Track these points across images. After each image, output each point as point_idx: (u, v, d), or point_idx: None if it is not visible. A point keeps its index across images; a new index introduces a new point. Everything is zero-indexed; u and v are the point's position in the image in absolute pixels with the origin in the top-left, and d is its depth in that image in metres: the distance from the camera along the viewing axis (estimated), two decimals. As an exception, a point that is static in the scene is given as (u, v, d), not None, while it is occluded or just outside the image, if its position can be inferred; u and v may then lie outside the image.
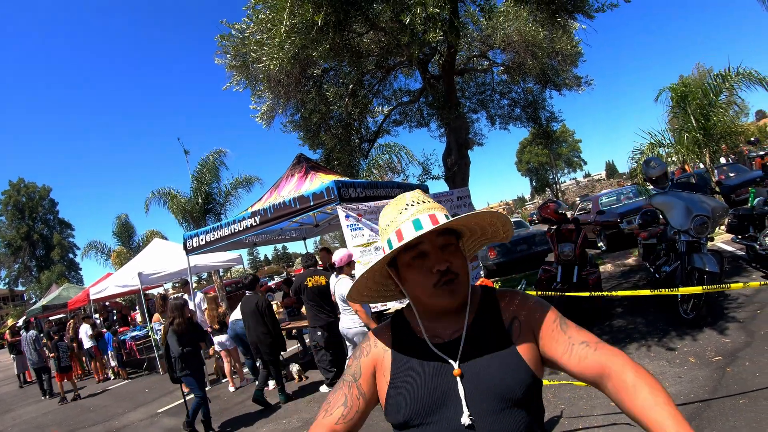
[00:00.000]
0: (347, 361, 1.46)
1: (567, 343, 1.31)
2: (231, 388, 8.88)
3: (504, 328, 1.35)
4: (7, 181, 61.18)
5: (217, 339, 9.04)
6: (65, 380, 11.87)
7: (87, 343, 13.33)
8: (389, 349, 1.42)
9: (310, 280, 7.46)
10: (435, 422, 1.26)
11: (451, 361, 1.30)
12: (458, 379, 1.27)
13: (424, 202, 1.38)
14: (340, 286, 6.33)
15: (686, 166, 13.32)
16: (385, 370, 1.39)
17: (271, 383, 7.77)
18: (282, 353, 7.91)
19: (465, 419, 1.20)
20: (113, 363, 13.68)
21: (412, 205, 1.37)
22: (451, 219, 1.32)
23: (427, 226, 1.30)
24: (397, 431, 1.36)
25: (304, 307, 7.91)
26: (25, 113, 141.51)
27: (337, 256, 6.39)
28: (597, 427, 4.21)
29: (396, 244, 1.33)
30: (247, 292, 7.54)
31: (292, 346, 11.16)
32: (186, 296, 10.52)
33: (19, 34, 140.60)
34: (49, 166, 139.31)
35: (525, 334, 1.34)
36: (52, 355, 12.10)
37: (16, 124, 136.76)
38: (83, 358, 14.69)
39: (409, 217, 1.34)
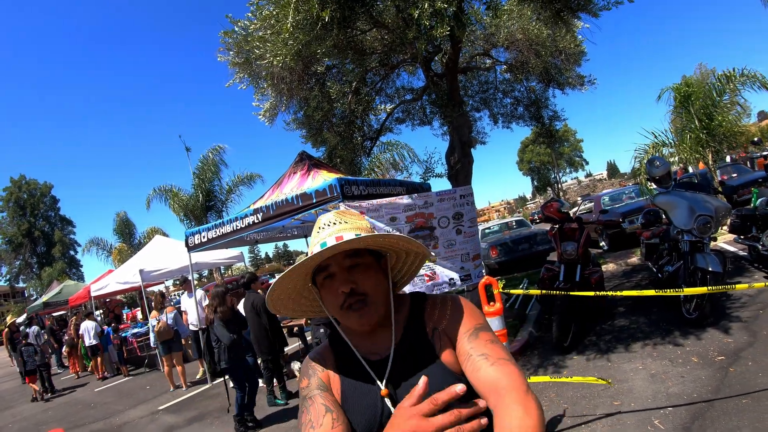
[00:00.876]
0: (301, 385, 1.43)
1: (467, 353, 1.29)
2: (232, 384, 8.88)
3: (428, 339, 1.36)
4: (9, 177, 61.30)
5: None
6: (32, 383, 12.53)
7: (90, 341, 13.33)
8: (335, 372, 1.42)
9: None
10: None
11: (378, 382, 1.31)
12: (386, 399, 1.27)
13: (335, 223, 1.39)
14: None
15: (700, 164, 13.26)
16: (336, 393, 1.38)
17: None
18: (282, 352, 7.91)
19: None
20: (114, 359, 13.70)
21: (324, 228, 1.39)
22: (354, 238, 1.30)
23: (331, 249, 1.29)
24: None
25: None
26: (27, 110, 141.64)
27: None
28: (600, 427, 4.21)
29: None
30: (246, 291, 7.55)
31: (294, 344, 11.17)
32: (186, 293, 10.53)
33: (20, 31, 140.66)
34: (51, 163, 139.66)
35: (444, 342, 1.35)
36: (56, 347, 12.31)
37: (18, 121, 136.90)
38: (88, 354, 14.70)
39: (318, 240, 1.36)
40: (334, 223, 1.39)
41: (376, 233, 1.36)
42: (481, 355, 1.26)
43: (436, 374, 1.26)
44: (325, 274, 1.35)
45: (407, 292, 1.60)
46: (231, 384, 6.75)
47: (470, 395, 1.17)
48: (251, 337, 7.35)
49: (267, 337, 7.16)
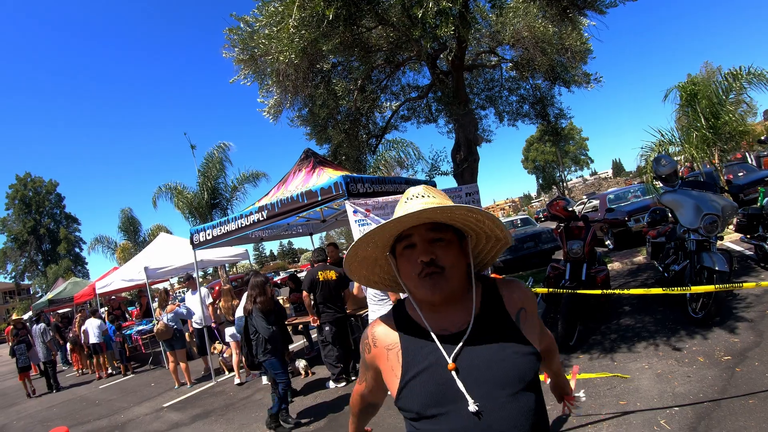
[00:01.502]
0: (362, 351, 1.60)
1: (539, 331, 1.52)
2: (237, 380, 8.89)
3: (510, 318, 1.43)
4: (14, 175, 61.48)
5: (229, 330, 9.06)
6: (25, 379, 12.98)
7: (94, 339, 13.35)
8: (397, 343, 1.47)
9: (321, 274, 7.45)
10: (446, 413, 1.31)
11: (446, 356, 1.35)
12: (453, 373, 1.32)
13: (423, 196, 1.43)
14: None
15: (714, 160, 13.18)
16: (394, 364, 1.44)
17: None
18: (287, 350, 7.90)
19: (472, 407, 1.26)
20: (116, 357, 13.71)
21: (412, 199, 1.44)
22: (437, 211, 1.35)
23: (413, 216, 1.34)
24: (409, 421, 1.42)
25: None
26: (33, 108, 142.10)
27: None
28: (605, 426, 4.19)
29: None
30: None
31: (299, 342, 11.17)
32: (190, 292, 10.54)
33: (24, 28, 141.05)
34: (56, 161, 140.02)
35: (530, 321, 1.46)
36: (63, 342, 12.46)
37: (24, 119, 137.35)
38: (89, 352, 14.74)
39: (405, 210, 1.38)
40: (423, 196, 1.43)
41: (467, 206, 1.36)
42: (542, 331, 1.56)
43: (519, 349, 1.37)
44: (406, 243, 1.41)
45: None
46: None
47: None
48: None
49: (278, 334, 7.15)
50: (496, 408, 1.28)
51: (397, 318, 1.53)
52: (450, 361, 1.34)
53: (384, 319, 1.57)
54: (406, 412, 1.40)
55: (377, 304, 5.90)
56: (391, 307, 5.24)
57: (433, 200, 1.41)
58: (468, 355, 1.35)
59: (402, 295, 1.59)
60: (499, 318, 1.43)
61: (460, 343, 1.36)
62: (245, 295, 6.55)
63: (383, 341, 1.51)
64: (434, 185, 8.58)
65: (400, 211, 1.41)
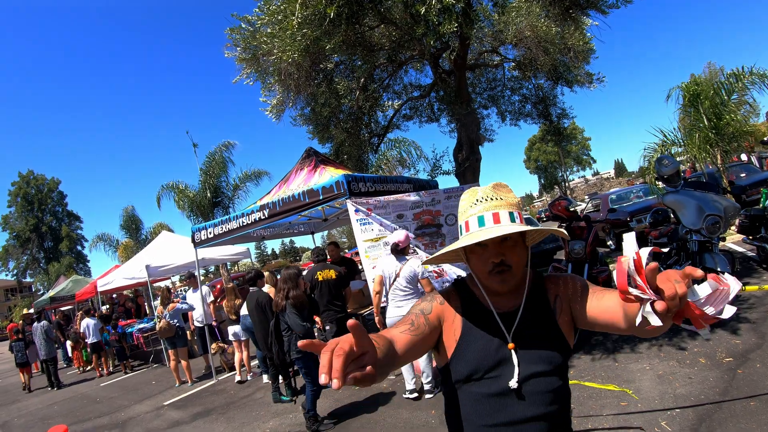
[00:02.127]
0: (415, 302, 1.77)
1: (598, 297, 1.54)
2: (238, 378, 8.90)
3: (550, 307, 1.62)
4: (17, 173, 61.56)
5: (232, 329, 9.06)
6: (24, 373, 13.50)
7: (92, 337, 13.36)
8: (459, 312, 1.66)
9: (320, 274, 7.44)
10: (490, 379, 1.54)
11: (506, 334, 1.57)
12: (512, 351, 1.53)
13: (492, 199, 1.60)
14: (409, 266, 5.76)
15: (717, 161, 13.15)
16: (456, 328, 1.64)
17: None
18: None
19: (513, 383, 1.49)
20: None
21: (481, 201, 1.60)
22: (513, 224, 1.55)
23: (489, 226, 1.56)
24: (455, 382, 1.62)
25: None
26: (35, 106, 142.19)
27: (398, 237, 5.86)
28: (606, 427, 4.18)
29: (463, 234, 1.63)
30: (251, 288, 7.52)
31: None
32: (191, 290, 10.55)
33: (26, 28, 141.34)
34: (59, 159, 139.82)
35: (564, 307, 1.62)
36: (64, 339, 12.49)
37: (26, 117, 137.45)
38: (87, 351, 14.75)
39: (476, 212, 1.59)
40: (492, 199, 1.60)
41: (533, 227, 1.57)
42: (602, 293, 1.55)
43: (554, 335, 1.58)
44: (478, 242, 1.54)
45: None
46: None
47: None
48: (257, 335, 7.33)
49: (272, 334, 7.13)
50: (530, 385, 1.50)
51: (460, 291, 1.72)
52: (510, 340, 1.55)
53: (448, 289, 1.77)
54: (456, 372, 1.60)
55: (403, 300, 5.75)
56: (402, 307, 5.08)
57: (501, 202, 1.59)
58: (518, 334, 1.56)
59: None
60: (541, 305, 1.62)
61: (515, 325, 1.57)
62: (273, 289, 6.35)
63: (450, 303, 1.69)
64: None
65: (470, 213, 1.61)
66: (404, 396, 6.03)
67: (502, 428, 1.51)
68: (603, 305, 1.48)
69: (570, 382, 1.68)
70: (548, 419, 1.51)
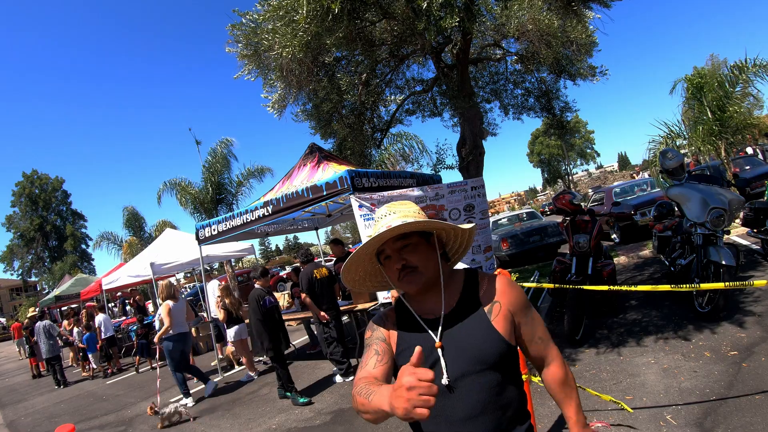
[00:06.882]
0: (365, 336, 1.88)
1: (531, 334, 1.75)
2: (252, 374, 8.93)
3: (482, 308, 1.69)
4: (21, 172, 61.62)
5: (232, 330, 9.08)
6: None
7: (107, 333, 13.44)
8: (394, 326, 1.79)
9: (317, 272, 7.53)
10: None
11: (432, 335, 1.65)
12: (439, 350, 1.61)
13: (387, 215, 1.73)
14: None
15: (721, 153, 13.10)
16: (394, 342, 1.75)
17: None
18: (287, 347, 7.96)
19: (444, 381, 1.56)
20: (93, 365, 13.68)
21: (378, 220, 1.75)
22: (399, 226, 1.63)
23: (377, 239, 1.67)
24: None
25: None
26: (38, 105, 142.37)
27: None
28: (611, 421, 4.18)
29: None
30: (256, 285, 7.54)
31: (302, 338, 11.20)
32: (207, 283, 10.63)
33: (26, 28, 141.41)
34: (62, 158, 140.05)
35: (503, 313, 1.68)
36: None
37: (30, 116, 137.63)
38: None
39: (375, 232, 1.70)
40: (386, 215, 1.73)
41: (412, 221, 1.66)
42: (539, 338, 1.77)
43: (485, 334, 1.63)
44: (384, 256, 1.72)
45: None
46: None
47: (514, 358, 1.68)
48: (254, 332, 7.33)
49: (267, 331, 7.12)
50: (465, 383, 1.57)
51: (397, 307, 1.85)
52: (437, 340, 1.63)
53: (388, 310, 1.89)
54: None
55: None
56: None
57: (394, 216, 1.70)
58: (448, 336, 1.64)
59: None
60: (472, 306, 1.70)
61: (440, 323, 1.66)
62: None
63: (389, 321, 1.82)
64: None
65: (372, 234, 1.71)
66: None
67: (445, 428, 1.59)
68: (533, 345, 1.76)
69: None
70: (490, 416, 1.57)
